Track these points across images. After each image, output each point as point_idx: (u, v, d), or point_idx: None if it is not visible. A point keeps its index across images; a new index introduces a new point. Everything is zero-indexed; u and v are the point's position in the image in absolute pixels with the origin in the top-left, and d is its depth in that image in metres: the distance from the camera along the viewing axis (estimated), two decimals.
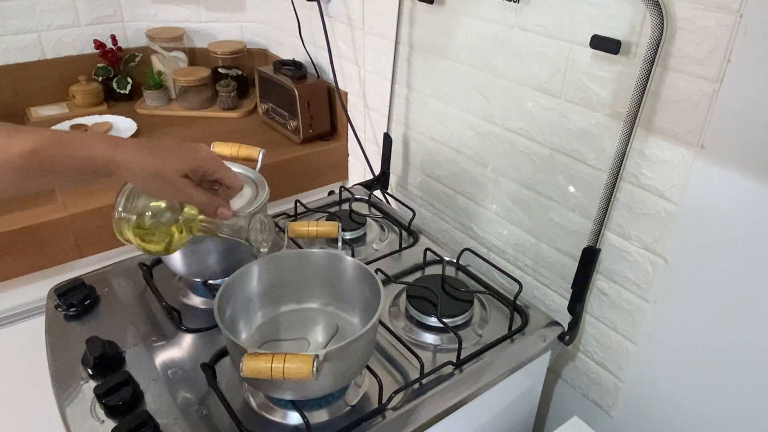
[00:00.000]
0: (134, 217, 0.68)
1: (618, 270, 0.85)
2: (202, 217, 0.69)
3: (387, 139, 1.21)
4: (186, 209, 0.69)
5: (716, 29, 0.65)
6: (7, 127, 0.58)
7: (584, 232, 0.87)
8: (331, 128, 1.46)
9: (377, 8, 1.18)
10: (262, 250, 0.72)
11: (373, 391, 0.75)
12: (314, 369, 0.61)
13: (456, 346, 0.81)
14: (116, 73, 1.61)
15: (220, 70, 1.61)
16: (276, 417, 0.73)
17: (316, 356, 0.62)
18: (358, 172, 1.45)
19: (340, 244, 0.86)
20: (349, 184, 1.41)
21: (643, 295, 0.83)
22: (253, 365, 0.62)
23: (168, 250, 0.71)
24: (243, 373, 0.62)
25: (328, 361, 0.65)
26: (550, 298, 0.99)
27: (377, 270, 0.95)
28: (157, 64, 1.61)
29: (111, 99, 1.62)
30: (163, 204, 0.69)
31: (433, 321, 0.86)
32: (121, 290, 0.94)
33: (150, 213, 0.68)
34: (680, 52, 0.69)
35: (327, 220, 1.11)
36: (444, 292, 0.92)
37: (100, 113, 1.53)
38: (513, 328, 0.87)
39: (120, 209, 0.69)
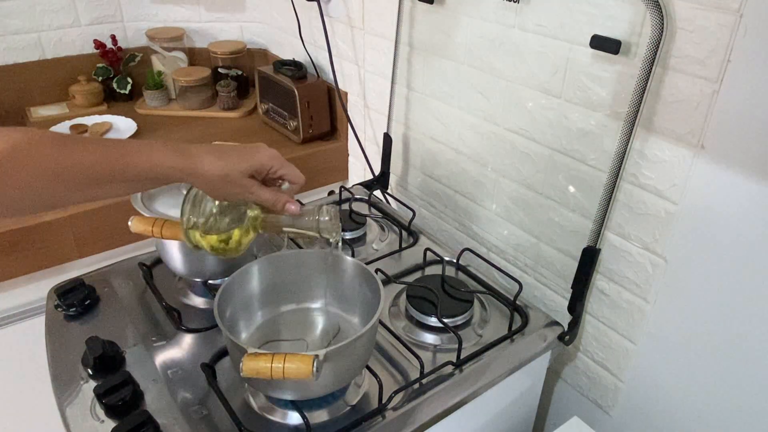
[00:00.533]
0: (202, 220, 0.69)
1: (618, 270, 0.85)
2: (265, 215, 0.71)
3: (387, 139, 1.21)
4: (249, 211, 0.71)
5: (716, 29, 0.65)
6: (75, 138, 0.59)
7: (584, 232, 0.87)
8: (331, 128, 1.46)
9: (377, 8, 1.18)
10: (331, 240, 0.73)
11: (373, 391, 0.75)
12: (314, 369, 0.61)
13: (456, 346, 0.81)
14: (116, 73, 1.62)
15: (220, 70, 1.61)
16: (276, 417, 0.73)
17: (316, 356, 0.62)
18: (358, 172, 1.45)
19: (340, 244, 0.86)
20: (349, 184, 1.41)
21: (643, 295, 0.83)
22: (253, 365, 0.62)
23: (237, 251, 0.73)
24: (243, 373, 0.62)
25: (328, 361, 0.65)
26: (550, 298, 0.99)
27: (377, 270, 0.95)
28: (157, 64, 1.61)
29: (111, 99, 1.62)
30: (228, 205, 0.70)
31: (433, 321, 0.86)
32: (121, 290, 0.94)
33: (217, 216, 0.69)
34: (680, 52, 0.69)
35: None
36: (444, 292, 0.92)
37: (100, 113, 1.53)
38: (513, 328, 0.87)
39: (188, 215, 0.70)
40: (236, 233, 0.71)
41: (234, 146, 0.67)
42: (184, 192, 0.85)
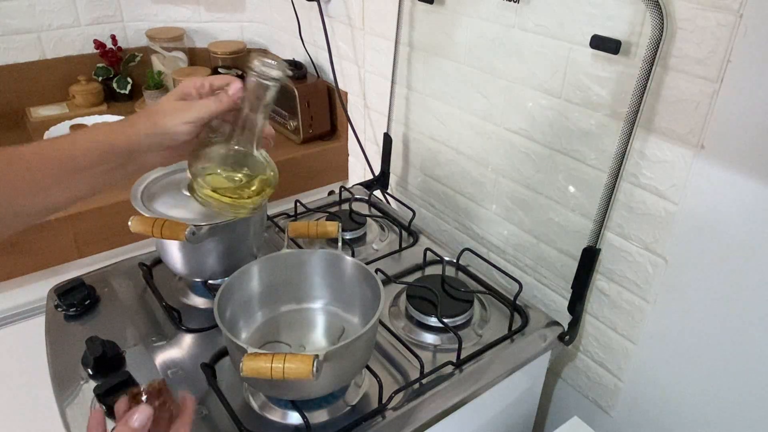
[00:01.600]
0: (206, 175, 0.70)
1: (618, 270, 0.85)
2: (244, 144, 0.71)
3: (387, 139, 1.21)
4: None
5: (716, 29, 0.65)
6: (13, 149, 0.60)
7: (584, 232, 0.87)
8: (331, 128, 1.46)
9: (377, 8, 1.18)
10: (281, 78, 0.71)
11: (373, 391, 0.75)
12: (314, 369, 0.61)
13: (456, 346, 0.81)
14: (116, 73, 1.61)
15: (220, 70, 1.61)
16: (276, 417, 0.73)
17: (316, 356, 0.61)
18: (358, 172, 1.45)
19: (340, 244, 0.85)
20: (349, 184, 1.41)
21: (643, 295, 0.83)
22: (253, 365, 0.62)
23: (255, 202, 0.73)
24: (243, 373, 0.61)
25: (328, 361, 0.64)
26: (550, 298, 0.99)
27: (377, 270, 0.95)
28: (157, 64, 1.61)
29: (111, 99, 1.61)
30: (233, 152, 0.70)
31: (433, 321, 0.86)
32: (121, 290, 0.94)
33: (226, 154, 0.70)
34: (680, 52, 0.69)
35: (327, 220, 1.11)
36: (444, 292, 0.91)
37: (100, 113, 1.53)
38: (513, 328, 0.87)
39: (197, 166, 0.71)
40: (246, 186, 0.72)
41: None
42: (185, 193, 0.86)
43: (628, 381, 0.90)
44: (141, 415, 0.51)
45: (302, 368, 0.61)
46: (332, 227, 0.88)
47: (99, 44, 1.57)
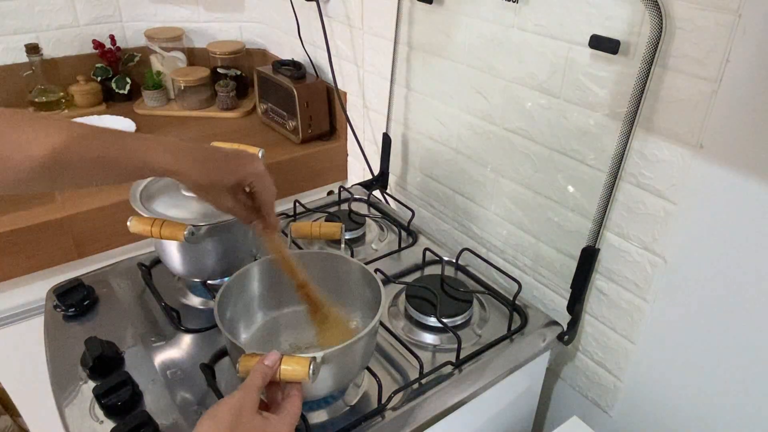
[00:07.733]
0: None
1: (617, 270, 0.85)
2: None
3: (386, 139, 1.21)
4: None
5: (715, 29, 0.65)
6: (96, 131, 0.63)
7: (583, 232, 0.87)
8: (330, 128, 1.46)
9: (376, 8, 1.18)
10: None
11: (372, 391, 0.75)
12: (310, 371, 0.60)
13: (455, 346, 0.81)
14: (115, 73, 1.61)
15: (219, 70, 1.61)
16: None
17: (313, 358, 0.61)
18: (357, 172, 1.45)
19: (342, 245, 0.85)
20: (348, 184, 1.41)
21: (642, 295, 0.83)
22: (249, 366, 0.62)
23: None
24: (239, 374, 0.61)
25: (326, 364, 0.64)
26: (549, 298, 0.99)
27: (376, 270, 0.95)
28: (156, 64, 1.61)
29: (110, 99, 1.61)
30: None
31: (432, 321, 0.86)
32: (121, 290, 0.94)
33: None
34: (679, 51, 0.69)
35: (326, 220, 1.10)
36: (443, 292, 0.91)
37: (99, 113, 1.53)
38: (512, 328, 0.87)
39: None
40: None
41: (228, 155, 0.69)
42: (185, 193, 0.86)
43: (628, 381, 0.90)
44: (272, 356, 0.62)
45: (299, 370, 0.61)
46: (335, 229, 0.88)
47: (98, 44, 1.57)
